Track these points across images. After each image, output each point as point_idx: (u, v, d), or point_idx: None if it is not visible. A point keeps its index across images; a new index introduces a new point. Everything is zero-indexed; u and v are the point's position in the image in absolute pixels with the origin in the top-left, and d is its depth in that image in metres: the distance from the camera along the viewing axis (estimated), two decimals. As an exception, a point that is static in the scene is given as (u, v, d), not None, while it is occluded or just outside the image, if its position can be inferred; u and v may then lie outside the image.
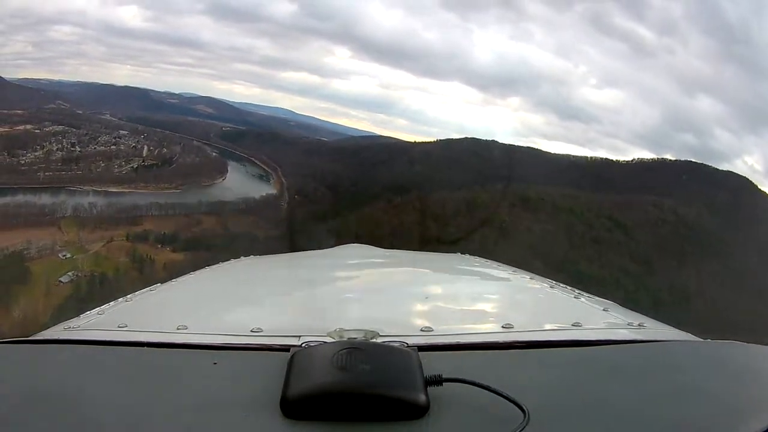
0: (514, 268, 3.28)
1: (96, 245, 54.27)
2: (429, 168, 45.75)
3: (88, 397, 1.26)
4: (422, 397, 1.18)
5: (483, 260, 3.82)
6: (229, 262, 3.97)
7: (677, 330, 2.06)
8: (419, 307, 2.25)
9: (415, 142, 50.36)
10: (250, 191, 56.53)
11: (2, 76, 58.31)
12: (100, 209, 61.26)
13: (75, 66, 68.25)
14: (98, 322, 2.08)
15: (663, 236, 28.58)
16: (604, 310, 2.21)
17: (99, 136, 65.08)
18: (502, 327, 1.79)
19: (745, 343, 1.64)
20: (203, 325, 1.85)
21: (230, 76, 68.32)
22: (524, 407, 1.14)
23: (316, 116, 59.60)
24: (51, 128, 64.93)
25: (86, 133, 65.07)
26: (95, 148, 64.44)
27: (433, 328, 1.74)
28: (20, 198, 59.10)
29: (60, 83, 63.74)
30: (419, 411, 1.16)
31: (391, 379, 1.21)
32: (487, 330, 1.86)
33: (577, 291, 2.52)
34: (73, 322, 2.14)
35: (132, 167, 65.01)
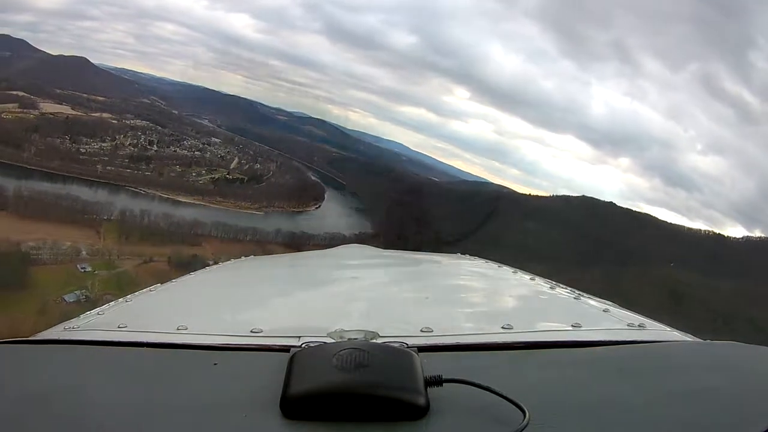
0: (514, 269, 3.26)
1: (129, 263, 48.09)
2: (543, 224, 44.38)
3: (88, 397, 1.31)
4: (422, 398, 1.21)
5: (483, 260, 3.79)
6: (229, 262, 4.05)
7: (677, 330, 2.06)
8: (419, 307, 2.25)
9: (529, 195, 51.43)
10: (343, 226, 54.28)
11: (93, 61, 65.94)
12: (155, 218, 56.79)
13: (181, 67, 77.22)
14: (98, 323, 2.11)
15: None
16: (604, 310, 2.22)
17: (185, 139, 66.74)
18: (502, 327, 1.81)
19: (745, 344, 1.64)
20: (203, 325, 1.88)
21: (347, 102, 75.77)
22: (524, 408, 1.17)
23: (430, 155, 61.50)
24: (131, 121, 66.37)
25: (171, 134, 66.88)
26: (175, 150, 65.83)
27: (433, 328, 1.76)
28: (65, 188, 56.20)
29: (161, 80, 70.18)
30: (419, 412, 1.20)
31: (391, 380, 1.23)
32: (487, 330, 1.87)
33: (577, 292, 2.52)
34: (73, 323, 2.16)
35: (212, 178, 63.91)
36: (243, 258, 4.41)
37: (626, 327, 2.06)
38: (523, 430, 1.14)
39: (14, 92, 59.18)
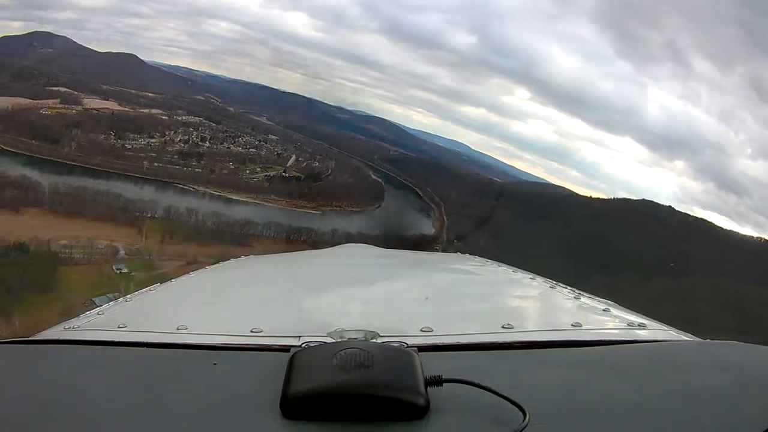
0: (515, 268, 3.28)
1: (170, 264, 44.40)
2: (606, 227, 44.24)
3: (88, 397, 1.33)
4: (422, 398, 1.23)
5: (483, 260, 3.85)
6: (229, 261, 4.06)
7: (677, 330, 2.07)
8: (419, 307, 2.25)
9: (591, 197, 51.24)
10: (403, 226, 52.33)
11: (143, 58, 65.96)
12: (203, 217, 53.73)
13: (238, 65, 78.10)
14: (98, 323, 2.13)
15: None
16: (604, 310, 2.23)
17: (240, 136, 64.37)
18: (502, 327, 1.81)
19: (745, 343, 1.66)
20: (203, 325, 1.89)
21: (408, 102, 77.24)
22: (524, 408, 1.19)
23: (491, 155, 62.08)
24: (183, 118, 64.37)
25: (226, 130, 64.47)
26: (229, 147, 63.38)
27: (433, 328, 1.77)
28: (107, 184, 53.36)
29: (217, 78, 69.44)
30: (419, 411, 1.21)
31: (391, 380, 1.25)
32: (487, 330, 1.87)
33: (577, 291, 2.54)
34: (73, 323, 2.20)
35: (267, 175, 61.22)
36: (243, 258, 4.47)
37: (626, 327, 2.08)
38: (523, 430, 1.15)
39: (56, 88, 58.65)
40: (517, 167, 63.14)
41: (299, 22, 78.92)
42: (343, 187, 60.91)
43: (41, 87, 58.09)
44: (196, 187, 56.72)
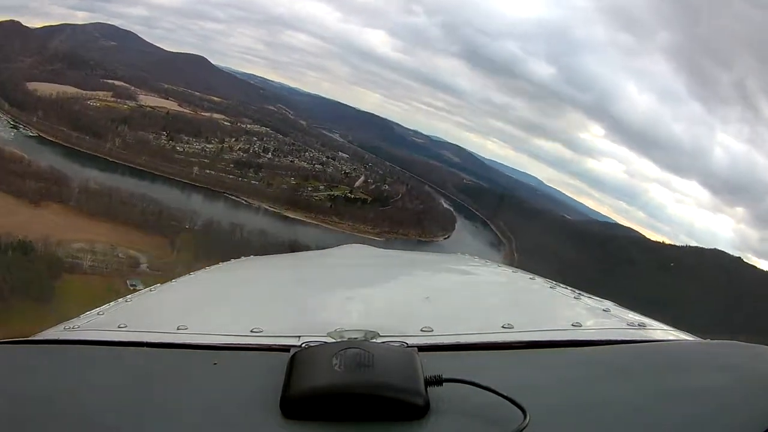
0: (514, 268, 3.36)
1: None
2: (679, 278, 43.67)
3: (88, 397, 1.36)
4: (422, 398, 1.24)
5: (483, 260, 3.91)
6: (229, 262, 4.09)
7: (677, 330, 2.09)
8: (419, 307, 2.27)
9: (662, 243, 52.32)
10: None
11: (215, 63, 64.80)
12: (249, 235, 49.02)
13: (315, 79, 78.02)
14: (98, 323, 2.16)
15: None
16: (604, 310, 2.26)
17: (307, 151, 60.61)
18: (502, 327, 1.83)
19: (745, 343, 1.66)
20: (203, 325, 1.92)
21: (484, 131, 76.13)
22: (524, 407, 1.20)
23: (562, 190, 62.69)
24: (247, 126, 60.57)
25: (292, 143, 60.91)
26: (293, 161, 59.47)
27: (433, 328, 1.78)
28: (147, 187, 49.03)
29: (293, 90, 68.90)
30: (419, 411, 1.23)
31: (391, 380, 1.27)
32: (487, 330, 1.88)
33: (577, 291, 2.58)
34: (73, 323, 2.23)
35: (330, 195, 56.63)
36: (243, 258, 4.44)
37: (626, 327, 2.09)
38: (523, 430, 1.16)
39: (111, 81, 57.44)
40: (586, 204, 63.80)
41: (378, 40, 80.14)
42: (412, 213, 59.02)
43: (95, 78, 57.09)
44: (248, 199, 54.40)
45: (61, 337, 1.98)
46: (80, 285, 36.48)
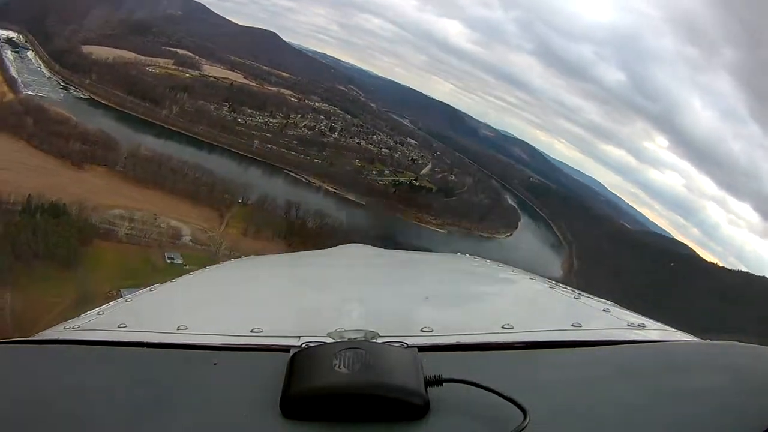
0: (514, 268, 3.30)
1: None
2: (727, 303, 43.81)
3: (88, 397, 1.38)
4: (422, 398, 1.25)
5: (483, 260, 3.81)
6: (229, 262, 4.16)
7: (677, 330, 2.15)
8: (419, 307, 2.26)
9: (715, 265, 52.68)
10: (530, 262, 49.59)
11: (286, 39, 63.44)
12: (304, 214, 48.71)
13: (389, 64, 78.16)
14: (98, 323, 2.17)
15: None
16: (604, 310, 2.22)
17: (375, 134, 59.90)
18: (502, 327, 1.83)
19: (745, 343, 1.69)
20: (203, 325, 1.93)
21: (553, 130, 72.65)
22: (524, 407, 1.21)
23: (623, 198, 64.84)
24: (315, 103, 60.00)
25: (361, 125, 60.17)
26: (360, 143, 58.75)
27: (433, 328, 1.78)
28: (201, 157, 48.37)
29: (364, 72, 67.35)
30: (419, 411, 1.24)
31: (391, 380, 1.27)
32: (487, 330, 1.88)
33: (577, 291, 2.63)
34: (73, 323, 2.24)
35: (395, 180, 57.05)
36: (243, 258, 4.56)
37: (626, 327, 2.06)
38: (523, 430, 1.16)
39: (173, 49, 57.44)
40: (645, 215, 64.05)
41: (454, 30, 77.57)
42: (476, 207, 58.71)
43: (157, 45, 57.36)
44: (308, 178, 53.77)
45: (61, 337, 1.98)
46: (112, 254, 35.28)
